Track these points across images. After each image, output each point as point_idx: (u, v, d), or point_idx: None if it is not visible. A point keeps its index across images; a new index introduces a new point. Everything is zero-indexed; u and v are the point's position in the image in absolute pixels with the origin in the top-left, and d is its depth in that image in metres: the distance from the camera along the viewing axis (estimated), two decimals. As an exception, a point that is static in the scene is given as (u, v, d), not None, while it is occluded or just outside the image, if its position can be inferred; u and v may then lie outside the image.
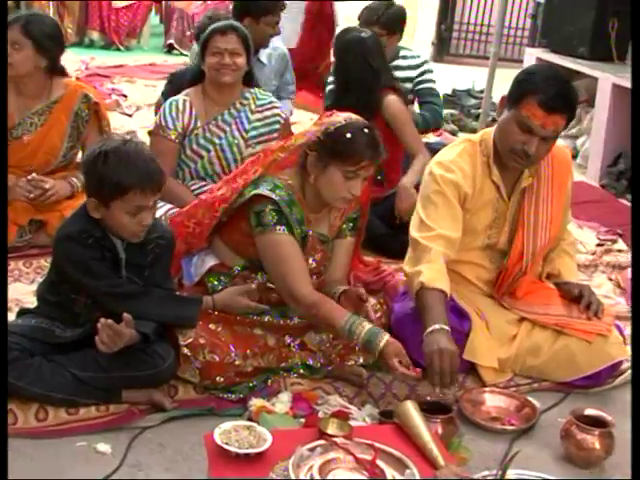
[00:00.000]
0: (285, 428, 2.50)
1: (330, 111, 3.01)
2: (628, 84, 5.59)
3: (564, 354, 3.00)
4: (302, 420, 2.62)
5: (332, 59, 4.59)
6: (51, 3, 9.12)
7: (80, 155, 4.05)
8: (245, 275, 3.01)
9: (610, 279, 4.11)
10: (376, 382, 2.91)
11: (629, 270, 4.14)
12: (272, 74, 5.11)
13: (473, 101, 7.65)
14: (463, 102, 7.68)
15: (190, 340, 2.77)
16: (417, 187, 3.60)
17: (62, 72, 4.00)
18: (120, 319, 2.56)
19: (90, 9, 9.63)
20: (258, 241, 2.89)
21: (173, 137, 3.80)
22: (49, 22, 4.03)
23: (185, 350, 2.76)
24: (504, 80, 2.98)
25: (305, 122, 5.92)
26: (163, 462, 2.48)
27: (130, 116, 6.03)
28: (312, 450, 2.17)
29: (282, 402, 2.71)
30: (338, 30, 4.81)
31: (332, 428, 2.33)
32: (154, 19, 10.49)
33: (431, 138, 5.64)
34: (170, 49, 9.80)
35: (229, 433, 2.23)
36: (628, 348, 3.14)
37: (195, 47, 4.51)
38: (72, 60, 7.89)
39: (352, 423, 2.46)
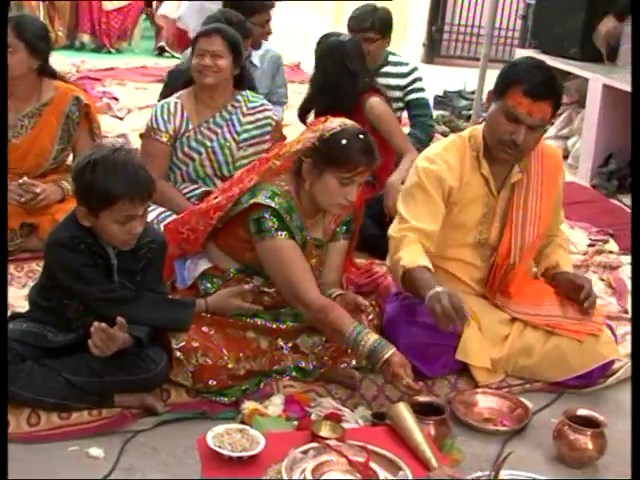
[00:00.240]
0: (278, 431, 2.50)
1: (323, 116, 3.01)
2: (618, 85, 5.61)
3: (556, 354, 3.01)
4: (295, 423, 2.62)
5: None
6: (41, 6, 9.08)
7: (71, 158, 4.05)
8: (240, 278, 3.00)
9: (601, 279, 4.12)
10: (369, 384, 2.91)
11: (620, 270, 4.16)
12: (264, 77, 5.11)
13: (464, 102, 7.66)
14: (454, 103, 7.69)
15: (183, 344, 2.76)
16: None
17: (52, 74, 4.00)
18: (113, 323, 2.56)
19: (81, 12, 9.59)
20: (259, 248, 2.88)
21: (165, 139, 3.79)
22: (38, 23, 4.05)
23: (178, 354, 2.76)
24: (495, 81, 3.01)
25: (298, 124, 5.91)
26: (156, 466, 2.48)
27: (121, 119, 6.02)
28: (305, 453, 2.18)
29: (275, 405, 2.71)
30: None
31: (325, 430, 2.34)
32: (145, 22, 10.46)
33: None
34: (161, 52, 9.77)
35: (222, 436, 2.23)
36: (619, 348, 3.16)
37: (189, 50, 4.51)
38: (63, 63, 7.88)
39: (345, 425, 2.46)
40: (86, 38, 9.68)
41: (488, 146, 3.02)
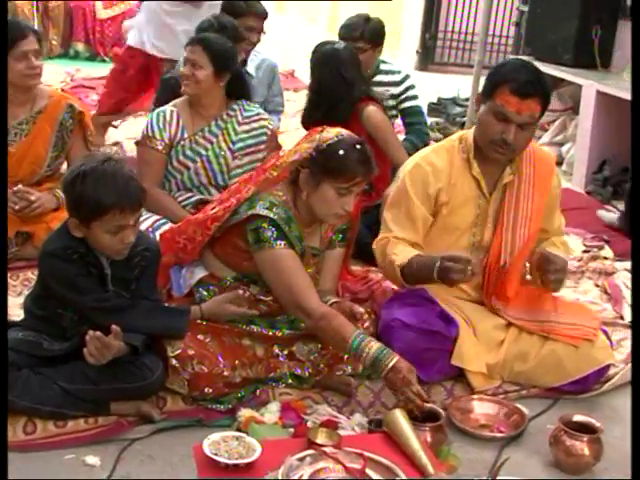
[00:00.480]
0: (274, 438, 2.50)
1: (320, 124, 3.01)
2: (612, 91, 5.63)
3: (551, 359, 3.01)
4: (291, 430, 2.62)
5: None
6: (35, 15, 9.09)
7: (65, 166, 4.05)
8: (236, 287, 3.00)
9: (597, 285, 4.12)
10: (365, 391, 2.91)
11: (615, 276, 4.16)
12: (260, 85, 5.11)
13: (458, 109, 7.68)
14: (448, 110, 7.71)
15: (179, 351, 2.76)
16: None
17: None
18: (108, 331, 2.55)
19: (75, 21, 9.60)
20: (258, 258, 2.88)
21: (160, 147, 3.79)
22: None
23: (174, 361, 2.75)
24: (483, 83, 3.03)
25: (292, 131, 5.92)
26: (152, 474, 2.47)
27: (116, 127, 6.02)
28: (301, 460, 2.17)
29: (271, 412, 2.71)
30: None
31: (321, 437, 2.33)
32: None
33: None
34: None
35: (218, 444, 2.23)
36: (615, 354, 3.16)
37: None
38: (57, 72, 7.88)
39: (341, 432, 2.46)
40: (80, 47, 9.68)
41: (479, 148, 3.04)
